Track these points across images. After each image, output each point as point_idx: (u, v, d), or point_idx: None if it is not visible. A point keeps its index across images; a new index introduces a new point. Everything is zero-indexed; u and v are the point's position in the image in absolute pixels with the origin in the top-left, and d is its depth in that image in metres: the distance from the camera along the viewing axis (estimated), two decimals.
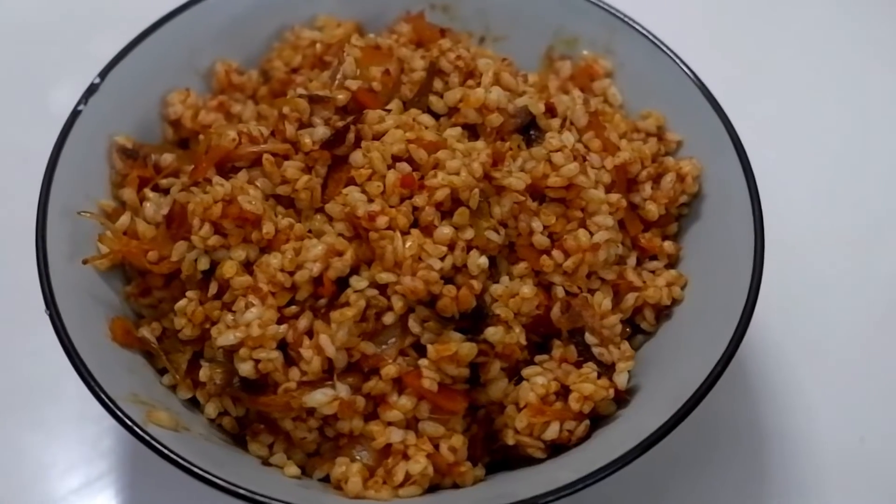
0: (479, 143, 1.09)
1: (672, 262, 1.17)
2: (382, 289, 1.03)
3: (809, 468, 1.24)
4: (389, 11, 1.30)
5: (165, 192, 1.14)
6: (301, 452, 1.06)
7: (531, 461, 1.06)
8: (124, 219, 1.11)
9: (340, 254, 1.02)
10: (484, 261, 1.05)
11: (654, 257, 1.17)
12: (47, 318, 1.01)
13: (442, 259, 1.03)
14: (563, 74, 1.26)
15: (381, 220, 1.03)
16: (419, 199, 1.04)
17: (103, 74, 1.15)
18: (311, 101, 1.11)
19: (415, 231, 1.04)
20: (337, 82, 1.14)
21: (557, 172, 1.09)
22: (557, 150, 1.10)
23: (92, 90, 1.14)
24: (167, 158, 1.16)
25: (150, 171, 1.16)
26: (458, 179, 1.04)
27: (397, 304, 1.02)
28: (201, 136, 1.17)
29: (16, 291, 1.19)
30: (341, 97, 1.12)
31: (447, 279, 1.04)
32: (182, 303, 1.05)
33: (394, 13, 1.29)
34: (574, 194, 1.10)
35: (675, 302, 1.14)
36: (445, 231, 1.04)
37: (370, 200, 1.04)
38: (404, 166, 1.06)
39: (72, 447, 1.22)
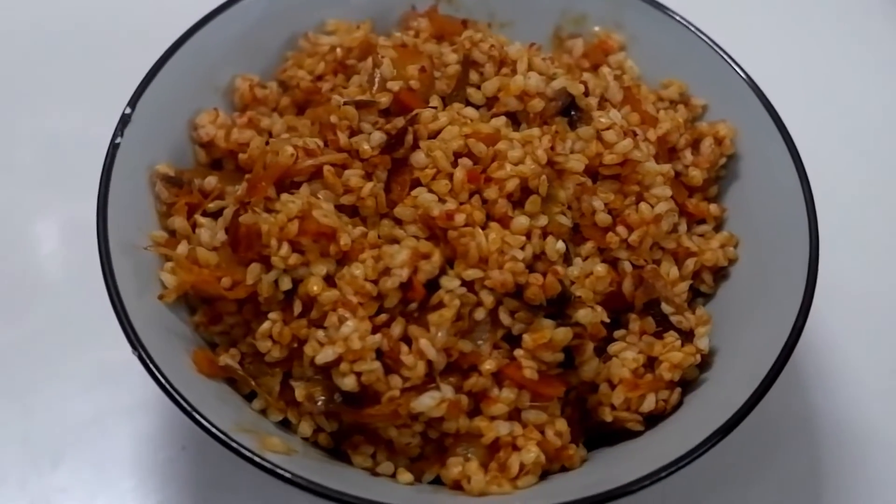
0: (535, 130, 1.10)
1: (719, 224, 1.20)
2: (469, 285, 1.03)
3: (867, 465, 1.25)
4: (394, 9, 1.29)
5: (215, 215, 1.12)
6: (405, 458, 1.06)
7: (628, 435, 1.08)
8: (182, 248, 1.09)
9: (426, 256, 1.02)
10: (561, 245, 1.06)
11: (701, 221, 1.19)
12: None
13: (523, 249, 1.04)
14: (575, 53, 1.28)
15: (459, 218, 1.03)
16: (491, 192, 1.05)
17: (133, 104, 1.12)
18: (356, 108, 1.10)
19: (493, 224, 1.04)
20: (377, 85, 1.13)
21: (612, 150, 1.11)
22: (608, 128, 1.11)
23: (125, 121, 1.11)
24: (211, 181, 1.14)
25: (197, 197, 1.13)
26: (527, 168, 1.05)
27: (487, 298, 1.02)
28: (242, 155, 1.15)
29: None
30: (384, 100, 1.11)
31: (528, 268, 1.04)
32: (265, 326, 1.04)
33: (398, 10, 1.29)
34: (629, 169, 1.11)
35: (731, 262, 1.17)
36: (522, 221, 1.04)
37: (441, 200, 1.04)
38: (467, 162, 1.06)
39: None
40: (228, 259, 1.07)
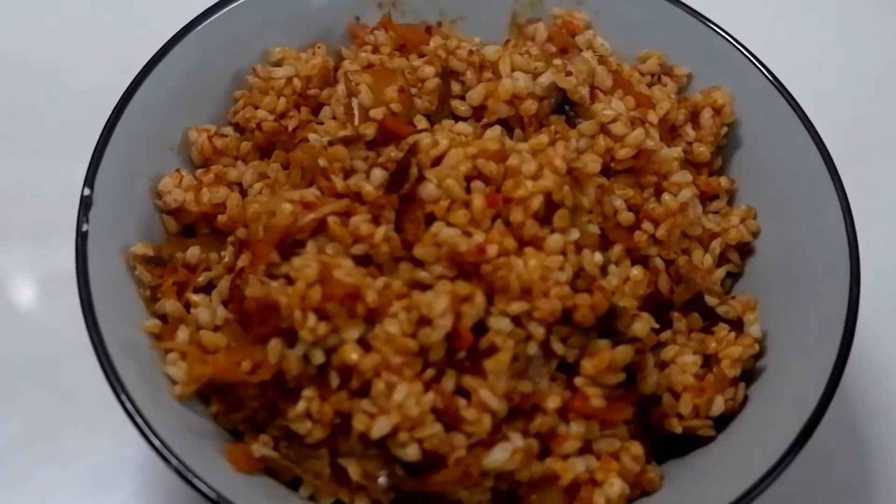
0: (543, 137, 1.01)
1: (731, 197, 1.13)
2: (515, 320, 0.94)
3: None
4: (337, 25, 1.18)
5: (205, 289, 1.01)
6: None
7: (697, 440, 1.02)
8: (183, 335, 0.98)
9: (468, 299, 0.93)
10: (599, 257, 0.98)
11: (713, 197, 1.12)
12: None
13: (562, 269, 0.95)
14: (539, 38, 1.19)
15: (492, 250, 0.94)
16: (516, 214, 0.96)
17: (90, 182, 1.00)
18: (344, 145, 1.00)
19: (528, 249, 0.95)
20: (357, 116, 1.03)
21: (623, 143, 1.04)
22: (614, 120, 1.03)
23: (87, 204, 0.99)
24: (194, 253, 1.03)
25: (183, 273, 1.02)
26: (548, 181, 0.96)
27: (537, 331, 0.94)
28: (221, 217, 1.05)
29: None
30: (370, 131, 1.02)
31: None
32: (301, 406, 0.93)
33: (342, 25, 1.18)
34: (644, 161, 1.04)
35: (755, 235, 1.11)
36: (556, 239, 0.96)
37: (465, 232, 0.95)
38: (480, 185, 0.97)
39: None
40: (238, 337, 0.97)
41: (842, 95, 1.45)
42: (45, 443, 1.16)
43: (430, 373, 0.93)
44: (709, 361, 1.02)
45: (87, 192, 0.99)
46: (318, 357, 0.92)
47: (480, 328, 0.93)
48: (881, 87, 1.49)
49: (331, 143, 1.00)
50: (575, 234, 0.97)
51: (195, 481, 0.87)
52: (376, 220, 0.97)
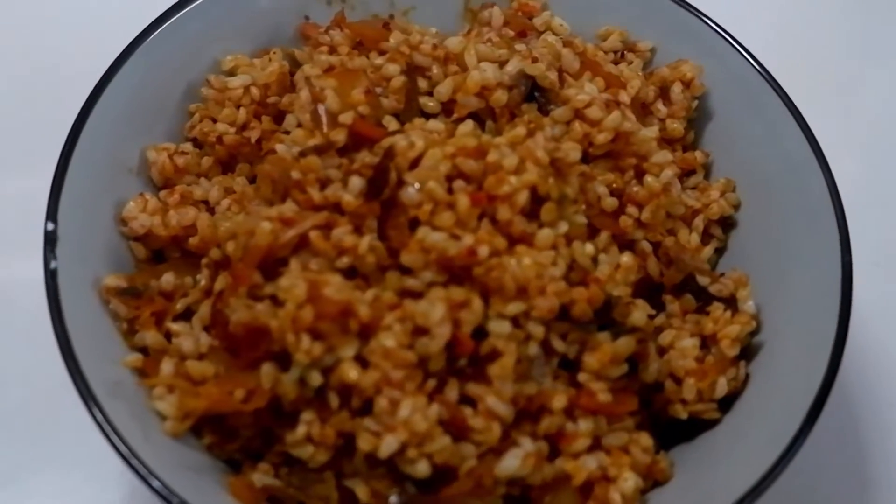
0: (520, 129, 0.98)
1: (707, 172, 1.12)
2: (513, 321, 0.91)
3: None
4: (286, 25, 1.14)
5: (183, 316, 0.97)
6: None
7: (702, 423, 1.00)
8: (167, 367, 0.94)
9: (464, 305, 0.89)
10: (591, 248, 0.96)
11: (690, 173, 1.10)
12: None
13: (555, 264, 0.93)
14: (496, 23, 1.15)
15: (483, 251, 0.91)
16: (503, 212, 0.93)
17: (52, 216, 0.95)
18: (316, 154, 0.96)
19: (520, 247, 0.92)
20: (325, 123, 0.99)
21: (600, 128, 1.01)
22: (589, 105, 1.01)
23: (52, 239, 0.94)
24: (169, 280, 0.99)
25: (161, 302, 0.98)
26: (532, 175, 0.93)
27: (536, 331, 0.91)
28: (192, 239, 1.01)
29: None
30: (341, 137, 0.98)
31: None
32: (301, 431, 0.90)
33: (290, 25, 1.14)
34: (622, 143, 1.02)
35: (735, 208, 1.09)
36: (546, 234, 0.93)
37: (452, 235, 0.92)
38: (461, 185, 0.94)
39: None
40: (226, 365, 0.93)
41: (805, 54, 1.43)
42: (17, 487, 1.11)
43: (431, 384, 0.90)
44: (706, 343, 1.00)
45: (50, 226, 0.95)
46: (316, 379, 0.89)
47: (480, 333, 0.90)
48: (847, 44, 1.49)
49: (302, 154, 0.96)
50: (564, 227, 0.95)
51: None
52: (358, 231, 0.93)
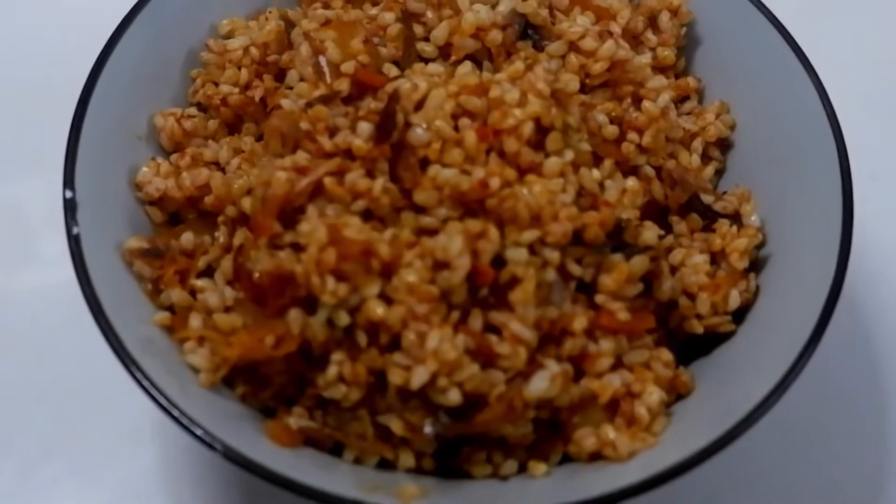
0: (519, 64, 1.00)
1: (700, 97, 1.14)
2: (529, 248, 0.93)
3: None
4: None
5: (206, 273, 1.00)
6: (521, 450, 0.97)
7: (717, 336, 1.03)
8: (196, 321, 0.96)
9: (482, 235, 0.92)
10: (597, 174, 0.98)
11: (684, 99, 1.13)
12: None
13: (565, 191, 0.95)
14: None
15: (495, 183, 0.93)
16: (510, 144, 0.95)
17: (70, 183, 0.97)
18: (323, 104, 0.98)
19: (529, 177, 0.95)
20: (328, 74, 1.01)
21: (596, 57, 1.04)
22: (583, 37, 1.03)
23: (73, 206, 0.96)
24: (189, 238, 1.01)
25: (183, 261, 1.00)
26: (536, 106, 0.96)
27: (552, 256, 0.94)
28: (208, 198, 1.03)
29: None
30: (345, 86, 1.00)
31: None
32: (332, 371, 0.92)
33: None
34: (619, 72, 1.05)
35: (731, 129, 1.12)
36: (554, 162, 0.96)
37: (463, 171, 0.94)
38: (467, 122, 0.96)
39: None
40: (253, 315, 0.95)
41: None
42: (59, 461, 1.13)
43: (455, 315, 0.92)
44: (716, 259, 1.03)
45: (69, 193, 0.96)
46: (344, 319, 0.91)
47: (498, 263, 0.93)
48: None
49: (309, 105, 0.98)
50: (570, 155, 0.97)
51: (246, 461, 0.86)
52: (371, 174, 0.96)
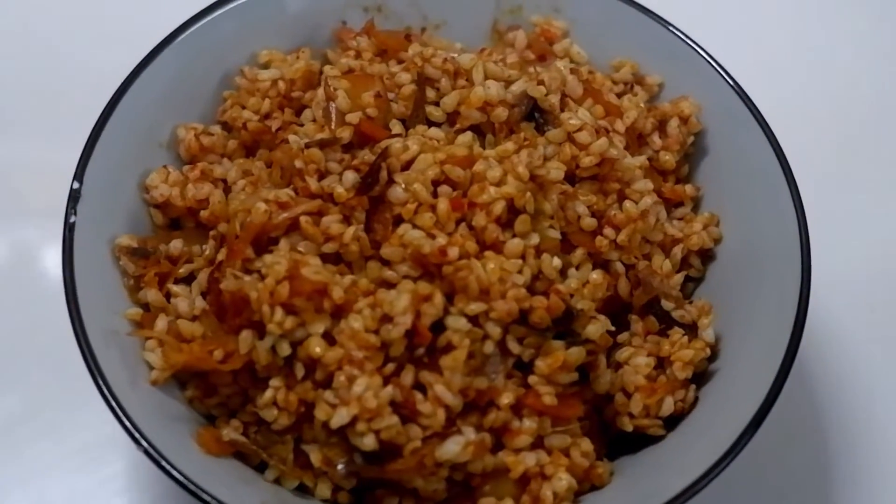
0: (509, 145, 1.05)
1: (696, 204, 1.18)
2: (473, 319, 0.99)
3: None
4: (324, 27, 1.23)
5: (186, 280, 1.07)
6: None
7: (649, 439, 1.06)
8: (161, 323, 1.04)
9: (427, 298, 0.98)
10: (558, 262, 1.03)
11: (678, 204, 1.17)
12: None
13: (521, 273, 1.00)
14: (519, 46, 1.23)
15: (453, 252, 0.98)
16: (479, 219, 1.01)
17: (79, 177, 1.06)
18: (320, 147, 1.05)
19: (488, 253, 1.00)
20: (334, 120, 1.08)
21: (587, 151, 1.08)
22: (579, 129, 1.08)
23: (76, 197, 1.05)
24: (177, 245, 1.09)
25: (166, 265, 1.08)
26: (511, 188, 1.01)
27: (493, 331, 0.99)
28: (203, 212, 1.10)
29: None
30: (346, 135, 1.07)
31: (528, 290, 1.01)
32: (268, 395, 0.99)
33: (328, 28, 1.23)
34: (608, 169, 1.09)
35: (716, 242, 1.15)
36: (516, 244, 1.01)
37: (429, 234, 1.00)
38: (447, 189, 1.02)
39: None
40: (214, 328, 1.02)
41: (808, 106, 1.51)
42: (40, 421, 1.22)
43: (390, 367, 0.98)
44: (663, 364, 1.07)
45: (75, 185, 1.05)
46: (285, 349, 0.98)
47: (440, 327, 0.98)
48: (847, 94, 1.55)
49: (307, 146, 1.05)
50: (535, 239, 1.02)
51: (162, 462, 0.93)
52: (347, 221, 1.02)
